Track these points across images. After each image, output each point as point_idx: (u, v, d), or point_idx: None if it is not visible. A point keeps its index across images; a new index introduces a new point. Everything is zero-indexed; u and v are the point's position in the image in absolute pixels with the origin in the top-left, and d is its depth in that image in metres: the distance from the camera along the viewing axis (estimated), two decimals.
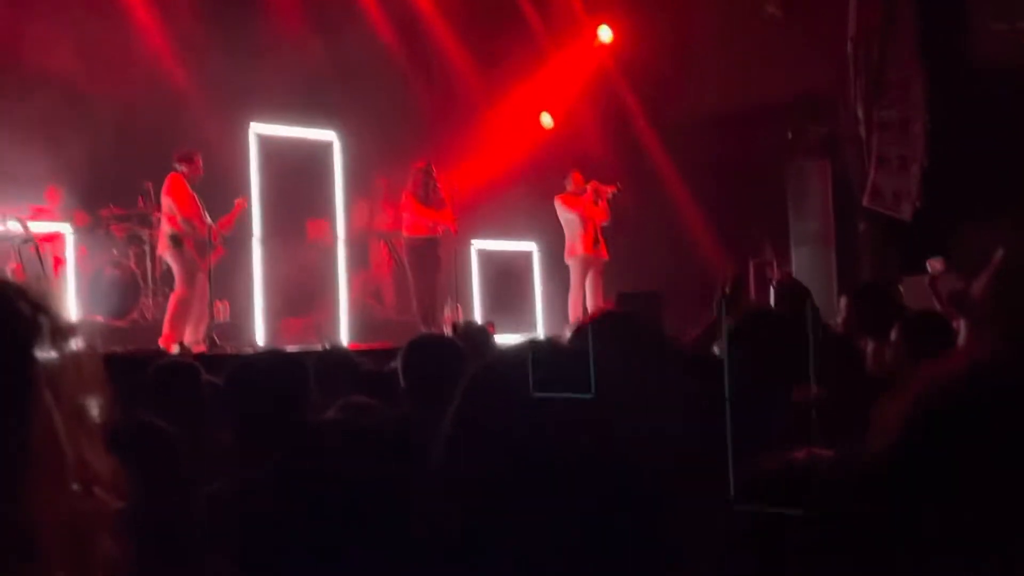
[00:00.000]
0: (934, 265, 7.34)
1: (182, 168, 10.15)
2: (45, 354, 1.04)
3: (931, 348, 3.65)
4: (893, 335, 4.47)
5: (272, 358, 3.61)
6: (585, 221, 12.30)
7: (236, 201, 10.86)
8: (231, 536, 2.53)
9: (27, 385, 1.01)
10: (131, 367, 5.08)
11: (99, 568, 1.02)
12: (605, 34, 15.79)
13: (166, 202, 10.29)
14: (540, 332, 13.75)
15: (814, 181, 14.72)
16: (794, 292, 5.77)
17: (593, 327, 2.41)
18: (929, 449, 1.19)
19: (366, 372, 5.19)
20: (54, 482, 1.00)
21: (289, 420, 2.95)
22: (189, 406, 4.24)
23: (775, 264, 16.22)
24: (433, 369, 3.80)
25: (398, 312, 13.79)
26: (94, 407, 1.08)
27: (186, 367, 4.77)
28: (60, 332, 1.07)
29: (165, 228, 10.36)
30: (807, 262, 14.76)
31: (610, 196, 12.50)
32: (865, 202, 13.18)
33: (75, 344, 1.08)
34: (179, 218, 10.18)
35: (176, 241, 10.23)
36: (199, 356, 8.31)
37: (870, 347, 5.07)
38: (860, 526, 1.22)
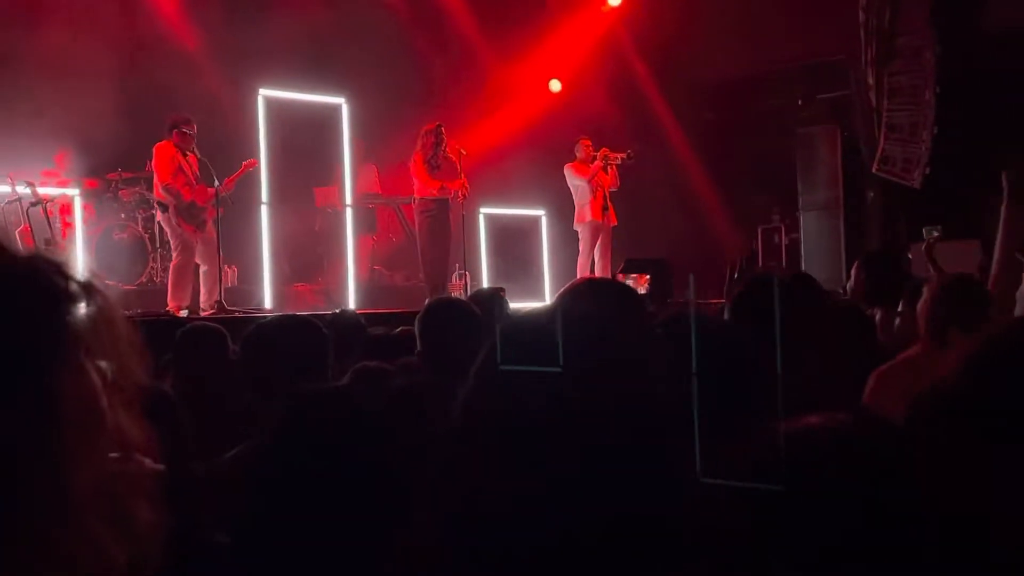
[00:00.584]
0: (931, 233, 7.34)
1: (180, 130, 10.08)
2: (79, 320, 1.05)
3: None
4: (900, 304, 4.47)
5: (289, 323, 3.60)
6: (594, 188, 12.27)
7: (244, 162, 10.85)
8: (232, 505, 2.53)
9: (65, 351, 1.02)
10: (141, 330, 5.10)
11: (139, 532, 1.03)
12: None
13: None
14: (548, 299, 13.77)
15: (823, 147, 14.67)
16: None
17: (566, 296, 2.42)
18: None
19: (377, 337, 5.21)
20: (93, 448, 1.01)
21: (304, 386, 2.96)
22: (215, 371, 4.24)
23: (783, 230, 16.23)
24: (450, 333, 3.81)
25: (405, 278, 13.81)
26: (130, 371, 1.09)
27: (212, 331, 4.77)
28: (92, 297, 1.08)
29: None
30: (815, 228, 14.75)
31: (619, 163, 12.46)
32: (874, 169, 13.13)
33: (107, 308, 1.09)
34: (159, 186, 10.21)
35: (162, 207, 10.26)
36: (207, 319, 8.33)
37: (878, 315, 5.07)
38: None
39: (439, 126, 11.45)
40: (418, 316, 4.02)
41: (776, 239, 16.34)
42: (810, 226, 14.86)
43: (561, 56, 15.76)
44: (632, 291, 2.51)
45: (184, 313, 9.86)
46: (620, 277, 10.24)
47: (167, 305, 10.10)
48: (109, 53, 11.34)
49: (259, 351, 3.27)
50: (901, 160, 12.92)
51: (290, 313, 6.02)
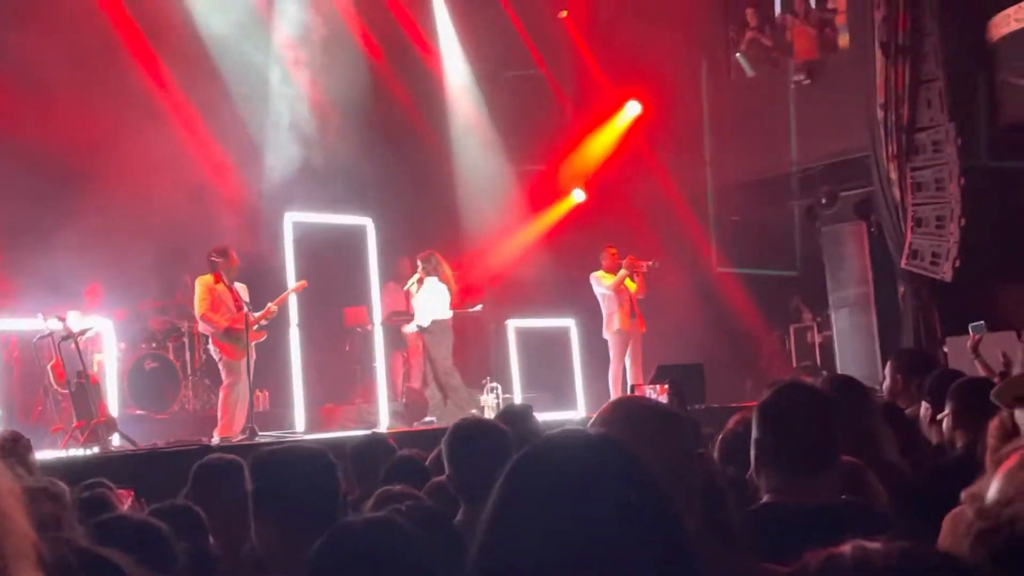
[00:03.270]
0: (978, 330, 7.20)
1: (218, 261, 10.25)
2: None
3: (983, 416, 3.54)
4: (947, 404, 4.36)
5: (295, 452, 3.52)
6: (621, 296, 12.25)
7: (294, 286, 10.98)
8: None
9: None
10: (171, 462, 5.08)
11: None
12: (633, 108, 15.88)
13: None
14: (581, 408, 13.65)
15: (850, 244, 14.66)
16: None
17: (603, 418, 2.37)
18: None
19: (406, 458, 5.13)
20: None
21: (318, 518, 2.88)
22: (231, 503, 4.16)
23: (816, 329, 16.13)
24: (478, 458, 3.72)
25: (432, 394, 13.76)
26: None
27: (228, 464, 4.70)
28: None
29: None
30: (847, 326, 14.66)
31: (645, 271, 12.46)
32: (903, 264, 13.05)
33: None
34: (197, 318, 10.49)
35: (204, 339, 10.51)
36: (237, 447, 8.29)
37: (922, 411, 4.96)
38: None
39: (431, 253, 11.86)
40: (444, 437, 3.95)
41: (809, 338, 16.24)
42: (842, 324, 14.76)
43: (584, 166, 15.92)
44: (670, 414, 2.45)
45: (216, 440, 9.83)
46: (639, 388, 10.15)
47: (217, 433, 10.12)
48: (139, 184, 11.50)
49: (265, 481, 3.19)
50: (930, 254, 12.84)
51: (297, 442, 5.96)
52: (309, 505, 3.11)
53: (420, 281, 11.88)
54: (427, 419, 11.74)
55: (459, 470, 3.79)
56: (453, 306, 12.21)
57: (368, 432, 7.37)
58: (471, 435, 3.93)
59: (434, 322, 11.70)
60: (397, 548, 2.28)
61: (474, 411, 10.98)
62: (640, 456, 1.54)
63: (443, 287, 11.75)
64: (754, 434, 2.93)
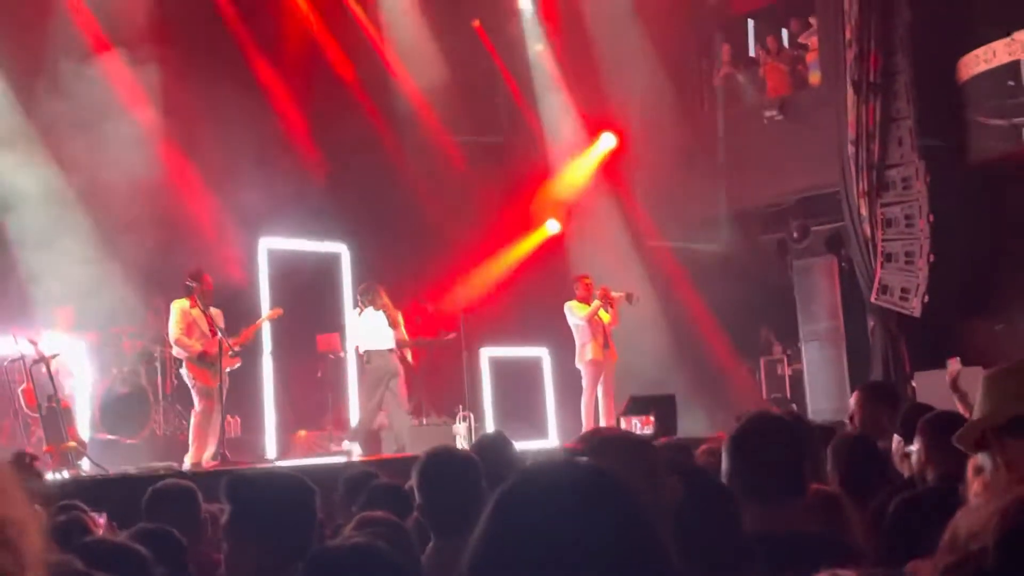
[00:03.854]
0: (953, 364, 7.22)
1: (192, 286, 10.23)
2: None
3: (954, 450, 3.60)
4: (917, 438, 4.41)
5: (273, 478, 3.55)
6: (594, 326, 12.31)
7: (268, 312, 10.98)
8: None
9: None
10: (141, 486, 5.08)
11: None
12: (608, 140, 16.00)
13: None
14: (554, 437, 13.69)
15: (821, 279, 14.81)
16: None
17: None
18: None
19: (384, 486, 5.14)
20: None
21: (294, 544, 2.91)
22: (187, 529, 4.18)
23: (786, 361, 16.23)
24: (449, 487, 3.75)
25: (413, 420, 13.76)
26: None
27: (181, 489, 4.73)
28: None
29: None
30: (818, 359, 14.78)
31: (620, 302, 12.53)
32: (873, 298, 13.21)
33: None
34: (170, 342, 10.50)
35: (177, 363, 10.56)
36: (208, 473, 8.27)
37: (895, 445, 5.01)
38: None
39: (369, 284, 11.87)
40: (415, 466, 3.95)
41: (779, 370, 16.33)
42: (812, 356, 14.88)
43: (558, 197, 16.00)
44: (642, 443, 2.51)
45: (187, 466, 9.80)
46: (624, 421, 10.20)
47: (189, 459, 10.08)
48: (111, 207, 11.48)
49: (241, 505, 3.20)
50: (899, 289, 13.01)
51: (271, 468, 5.97)
52: (285, 530, 3.11)
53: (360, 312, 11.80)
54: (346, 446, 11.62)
55: (430, 499, 3.81)
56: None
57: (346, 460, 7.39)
58: (442, 464, 3.95)
59: (370, 352, 11.63)
60: (378, 572, 2.31)
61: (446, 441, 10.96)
62: (628, 484, 1.58)
63: (382, 317, 11.63)
64: (724, 465, 2.98)
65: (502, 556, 1.50)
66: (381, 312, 11.58)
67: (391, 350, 11.60)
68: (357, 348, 11.82)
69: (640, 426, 8.72)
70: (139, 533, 3.73)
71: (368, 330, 11.58)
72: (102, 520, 5.02)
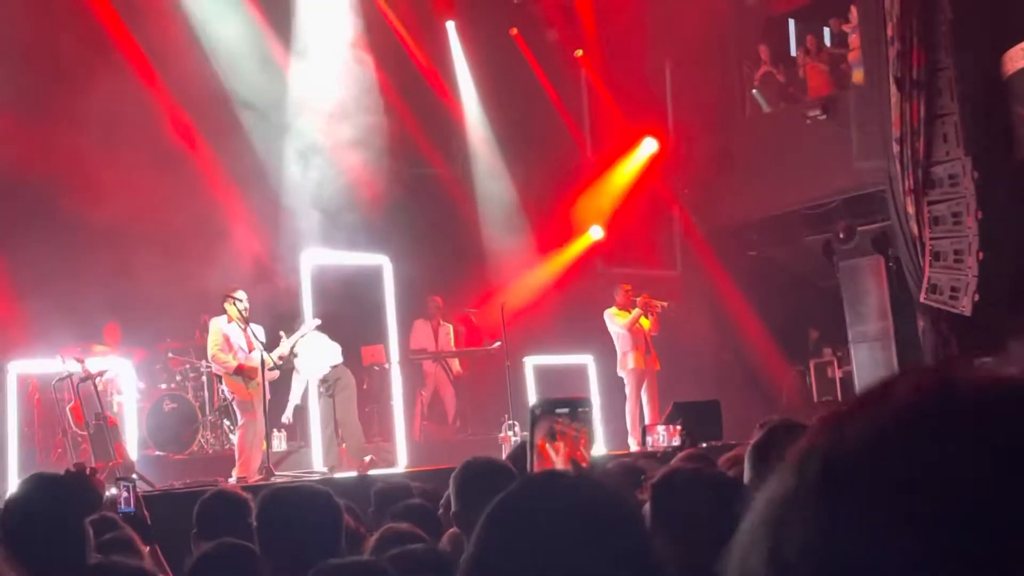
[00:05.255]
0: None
1: (230, 303, 10.36)
2: None
3: None
4: None
5: (299, 493, 3.56)
6: (636, 334, 12.24)
7: (305, 323, 11.04)
8: None
9: None
10: (187, 500, 5.09)
11: None
12: (650, 145, 15.93)
13: None
14: (600, 446, 13.61)
15: (869, 279, 14.62)
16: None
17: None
18: None
19: (419, 498, 5.13)
20: None
21: (320, 556, 2.91)
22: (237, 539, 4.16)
23: (836, 364, 16.06)
24: (484, 496, 3.72)
25: (455, 432, 13.76)
26: None
27: (233, 499, 4.72)
28: None
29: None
30: (868, 360, 14.58)
31: (660, 311, 12.46)
32: (922, 298, 13.00)
33: None
34: (209, 358, 10.66)
35: (218, 378, 10.76)
36: (253, 487, 8.29)
37: None
38: None
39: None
40: (453, 474, 3.95)
41: (829, 373, 16.17)
42: (862, 358, 14.68)
43: (602, 203, 15.95)
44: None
45: (233, 481, 9.84)
46: (651, 429, 10.08)
47: (235, 473, 10.15)
48: (156, 225, 11.60)
49: (268, 518, 3.23)
50: (949, 288, 12.80)
51: (303, 483, 5.95)
52: (311, 543, 3.15)
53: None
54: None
55: (465, 507, 3.80)
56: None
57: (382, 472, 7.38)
58: (478, 472, 3.95)
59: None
60: None
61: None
62: (626, 497, 1.55)
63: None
64: (746, 474, 2.93)
65: (494, 565, 1.48)
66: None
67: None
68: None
69: (667, 436, 8.62)
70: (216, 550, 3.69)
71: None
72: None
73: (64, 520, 3.47)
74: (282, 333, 10.74)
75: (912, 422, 0.67)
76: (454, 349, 13.93)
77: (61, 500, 3.67)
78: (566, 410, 2.33)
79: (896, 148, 13.10)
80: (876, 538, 0.65)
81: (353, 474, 10.42)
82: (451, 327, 13.92)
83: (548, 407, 2.41)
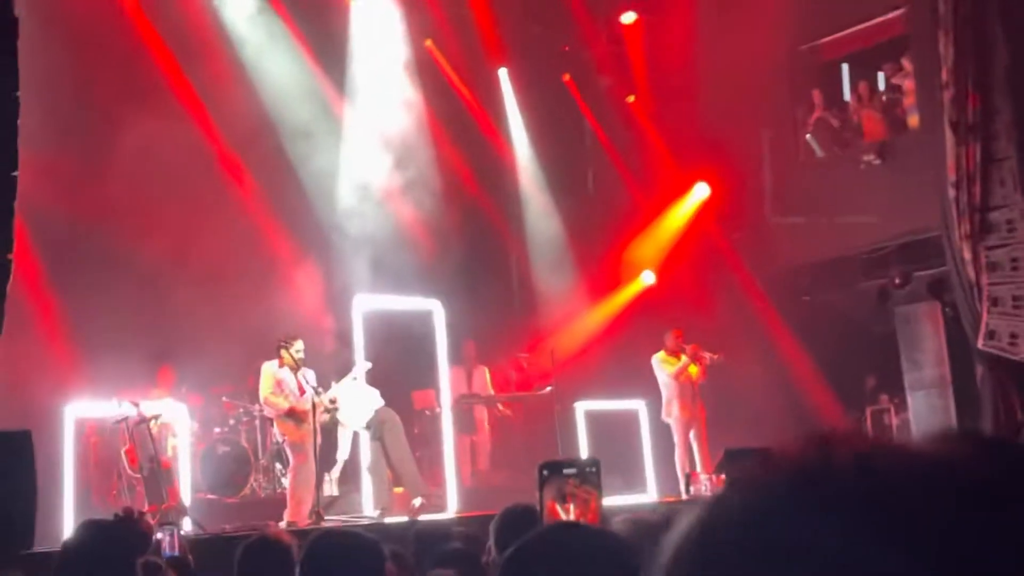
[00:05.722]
0: None
1: (283, 348, 10.50)
2: None
3: None
4: None
5: (344, 538, 3.58)
6: (683, 382, 12.19)
7: (357, 366, 11.13)
8: None
9: None
10: (235, 544, 5.11)
11: None
12: (702, 190, 15.90)
13: None
14: (652, 492, 13.50)
15: (925, 325, 14.42)
16: None
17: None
18: None
19: (457, 540, 5.13)
20: None
21: None
22: None
23: (892, 411, 15.82)
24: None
25: (507, 478, 13.71)
26: None
27: (276, 545, 4.73)
28: None
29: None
30: (925, 408, 14.35)
31: (708, 362, 12.41)
32: (980, 345, 12.78)
33: None
34: (261, 402, 10.86)
35: (270, 421, 11.01)
36: (302, 531, 8.33)
37: None
38: None
39: None
40: (493, 521, 3.95)
41: (886, 420, 15.93)
42: (919, 405, 14.46)
43: (653, 249, 15.93)
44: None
45: (283, 524, 9.88)
46: (695, 477, 9.99)
47: (287, 517, 10.22)
48: (210, 270, 11.75)
49: (310, 564, 3.24)
50: (1008, 334, 12.58)
51: (350, 528, 5.95)
52: None
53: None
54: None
55: (503, 554, 3.79)
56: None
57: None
58: (516, 518, 3.94)
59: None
60: None
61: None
62: (637, 549, 1.55)
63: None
64: None
65: None
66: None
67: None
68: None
69: (710, 485, 8.52)
70: None
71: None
72: None
73: (116, 561, 3.59)
74: (333, 382, 10.84)
75: (785, 497, 0.68)
76: (492, 394, 13.93)
77: (113, 543, 3.75)
78: (574, 471, 2.31)
79: (952, 193, 12.95)
80: None
81: (404, 519, 10.42)
82: (487, 370, 13.90)
83: (555, 468, 2.40)
